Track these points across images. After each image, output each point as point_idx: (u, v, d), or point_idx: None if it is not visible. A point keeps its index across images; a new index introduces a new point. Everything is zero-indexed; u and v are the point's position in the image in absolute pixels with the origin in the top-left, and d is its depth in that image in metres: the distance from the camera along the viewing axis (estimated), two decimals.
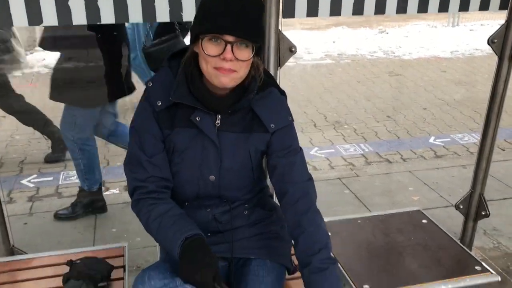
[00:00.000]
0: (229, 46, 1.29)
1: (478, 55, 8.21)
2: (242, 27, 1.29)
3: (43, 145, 4.40)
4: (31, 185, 3.68)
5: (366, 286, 1.67)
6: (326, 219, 2.13)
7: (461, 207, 2.60)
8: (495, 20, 9.85)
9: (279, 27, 1.93)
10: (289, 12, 1.96)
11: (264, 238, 1.61)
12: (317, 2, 1.98)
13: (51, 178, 3.79)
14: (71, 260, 1.64)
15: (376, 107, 5.56)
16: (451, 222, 3.10)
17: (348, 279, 1.71)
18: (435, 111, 5.44)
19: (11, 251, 2.05)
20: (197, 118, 1.42)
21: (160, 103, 1.42)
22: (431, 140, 4.66)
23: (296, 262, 1.77)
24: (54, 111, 3.64)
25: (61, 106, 2.98)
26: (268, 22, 1.88)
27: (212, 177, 1.48)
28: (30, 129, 4.74)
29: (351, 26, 9.78)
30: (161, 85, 1.44)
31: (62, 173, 3.88)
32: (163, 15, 1.80)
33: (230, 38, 1.29)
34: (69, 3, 1.71)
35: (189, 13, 1.83)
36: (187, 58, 1.42)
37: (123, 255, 1.87)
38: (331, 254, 1.44)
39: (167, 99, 1.42)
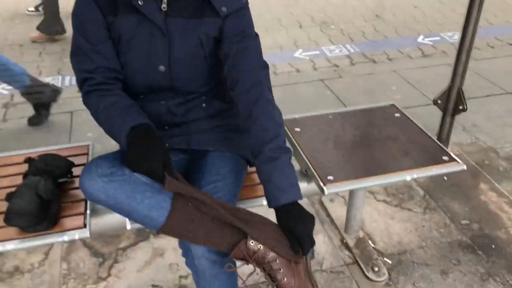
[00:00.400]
0: None
1: None
2: None
3: (17, 52, 4.25)
4: (5, 92, 3.59)
5: (330, 177, 1.66)
6: (297, 116, 2.11)
7: (439, 102, 2.56)
8: None
9: None
10: None
11: (223, 130, 1.57)
12: None
13: None
14: (29, 158, 1.61)
15: (366, 6, 5.33)
16: (431, 120, 3.07)
17: (313, 171, 1.70)
18: (426, 9, 5.22)
19: None
20: (139, 2, 1.31)
21: None
22: (420, 39, 4.51)
23: None
24: None
25: None
26: None
27: (162, 68, 1.40)
28: (2, 35, 4.58)
29: None
30: None
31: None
32: None
33: None
34: None
35: None
36: None
37: (87, 153, 1.84)
38: (284, 144, 1.40)
39: None
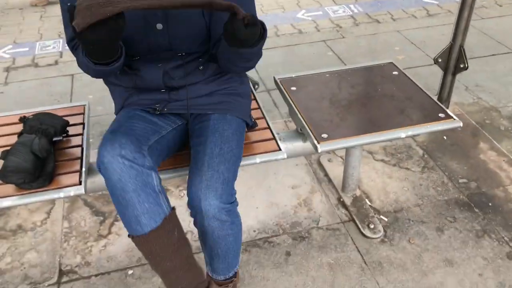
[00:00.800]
0: None
1: None
2: None
3: (18, 15, 4.23)
4: (7, 55, 3.59)
5: (324, 135, 1.66)
6: (293, 75, 2.09)
7: (440, 60, 2.51)
8: None
9: None
10: None
11: (222, 93, 1.56)
12: None
13: (27, 49, 3.68)
14: (24, 116, 1.62)
15: None
16: (433, 80, 3.04)
17: (308, 130, 1.70)
18: None
19: None
20: None
21: None
22: None
23: (254, 118, 1.75)
24: None
25: None
26: None
27: (159, 25, 1.38)
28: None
29: None
30: None
31: (38, 43, 3.77)
32: None
33: None
34: None
35: None
36: None
37: (83, 113, 1.85)
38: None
39: None
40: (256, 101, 1.92)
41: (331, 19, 4.07)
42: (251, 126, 1.70)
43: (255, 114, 1.81)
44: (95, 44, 1.16)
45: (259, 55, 1.40)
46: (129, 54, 1.44)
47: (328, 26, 3.94)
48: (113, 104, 1.65)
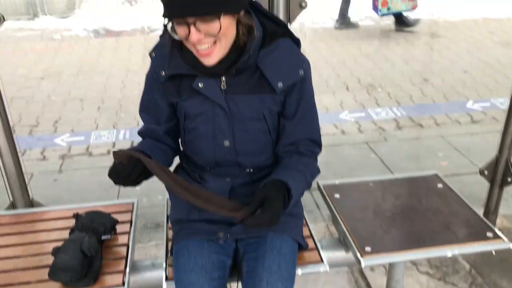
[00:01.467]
0: (192, 28, 1.21)
1: None
2: (194, 2, 1.17)
3: (78, 105, 4.54)
4: (64, 144, 3.82)
5: (367, 249, 1.64)
6: (337, 181, 2.11)
7: (486, 172, 2.49)
8: None
9: None
10: None
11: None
12: None
13: (83, 138, 3.91)
14: (77, 213, 1.70)
15: (414, 70, 5.35)
16: (479, 188, 2.98)
17: (351, 241, 1.69)
18: (477, 74, 5.17)
19: (31, 203, 2.15)
20: (199, 85, 1.37)
21: (164, 73, 1.40)
22: (469, 104, 4.45)
23: (306, 239, 1.73)
24: None
25: None
26: None
27: (226, 143, 1.45)
28: (67, 90, 4.93)
29: None
30: (163, 55, 1.40)
31: (93, 132, 4.00)
32: None
33: (188, 19, 1.21)
34: None
35: None
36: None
37: (131, 211, 1.92)
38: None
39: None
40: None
41: (374, 121, 4.15)
42: (304, 248, 1.64)
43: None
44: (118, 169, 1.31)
45: (309, 184, 1.47)
46: (199, 165, 1.54)
47: (371, 127, 4.01)
48: (160, 197, 1.70)
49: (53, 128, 4.10)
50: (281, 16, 1.88)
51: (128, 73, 5.37)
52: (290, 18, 1.91)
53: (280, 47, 1.38)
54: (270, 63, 1.36)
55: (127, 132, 3.97)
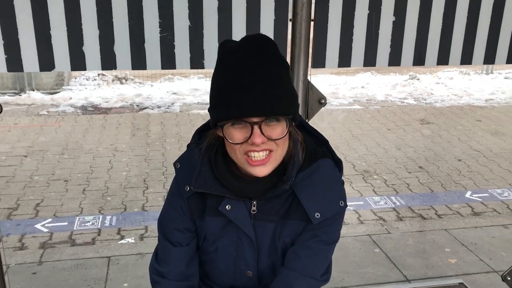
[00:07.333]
0: (256, 128, 1.07)
1: None
2: (266, 102, 1.05)
3: (62, 187, 4.31)
4: (45, 229, 3.54)
5: None
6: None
7: (509, 278, 2.32)
8: None
9: (308, 77, 1.78)
10: (319, 61, 1.81)
11: None
12: (349, 52, 1.82)
13: (66, 223, 3.65)
14: None
15: (407, 156, 5.31)
16: None
17: None
18: (471, 163, 5.15)
19: None
20: (226, 207, 1.21)
21: (188, 189, 1.23)
22: (468, 195, 4.37)
23: None
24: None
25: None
26: (296, 72, 1.73)
27: (249, 273, 1.29)
28: (51, 169, 4.70)
29: (381, 72, 9.63)
30: (189, 168, 1.24)
31: (77, 217, 3.75)
32: (183, 63, 1.67)
33: (254, 118, 1.07)
34: (84, 48, 1.59)
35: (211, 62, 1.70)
36: (209, 142, 1.22)
37: None
38: None
39: None
40: None
41: (373, 210, 4.01)
42: None
43: None
44: None
45: None
46: (215, 284, 1.37)
47: (371, 217, 3.86)
48: None
49: (34, 211, 3.84)
50: (300, 112, 1.77)
51: (116, 152, 5.19)
52: (308, 115, 1.81)
53: (321, 171, 1.22)
54: (307, 189, 1.20)
55: (113, 218, 3.72)
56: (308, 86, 1.76)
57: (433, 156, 5.35)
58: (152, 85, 8.40)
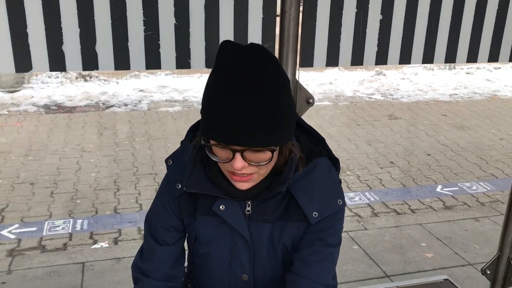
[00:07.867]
0: (238, 155, 1.02)
1: (478, 98, 8.14)
2: (251, 134, 0.99)
3: (28, 190, 4.13)
4: (12, 236, 3.39)
5: None
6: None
7: (488, 272, 2.36)
8: (490, 64, 9.89)
9: (296, 77, 1.74)
10: (307, 61, 1.77)
11: None
12: (337, 51, 1.79)
13: (35, 229, 3.50)
14: None
15: (378, 152, 5.38)
16: (472, 284, 2.86)
17: None
18: (440, 157, 5.26)
19: None
20: (220, 207, 1.16)
21: (179, 187, 1.18)
22: (439, 189, 4.46)
23: None
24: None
25: None
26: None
27: (244, 277, 1.24)
28: (15, 172, 4.50)
29: (348, 68, 9.73)
30: (181, 165, 1.19)
31: (46, 222, 3.60)
32: (168, 63, 1.60)
33: (237, 147, 1.02)
34: (63, 48, 1.50)
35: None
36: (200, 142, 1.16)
37: None
38: None
39: None
40: None
41: (349, 206, 4.04)
42: None
43: None
44: None
45: None
46: None
47: (347, 214, 3.87)
48: None
49: (0, 217, 3.66)
50: None
51: (83, 153, 5.02)
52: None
53: (317, 170, 1.18)
54: (304, 188, 1.17)
55: (85, 222, 3.60)
56: (297, 85, 1.73)
57: (403, 151, 5.44)
58: (117, 82, 8.18)
